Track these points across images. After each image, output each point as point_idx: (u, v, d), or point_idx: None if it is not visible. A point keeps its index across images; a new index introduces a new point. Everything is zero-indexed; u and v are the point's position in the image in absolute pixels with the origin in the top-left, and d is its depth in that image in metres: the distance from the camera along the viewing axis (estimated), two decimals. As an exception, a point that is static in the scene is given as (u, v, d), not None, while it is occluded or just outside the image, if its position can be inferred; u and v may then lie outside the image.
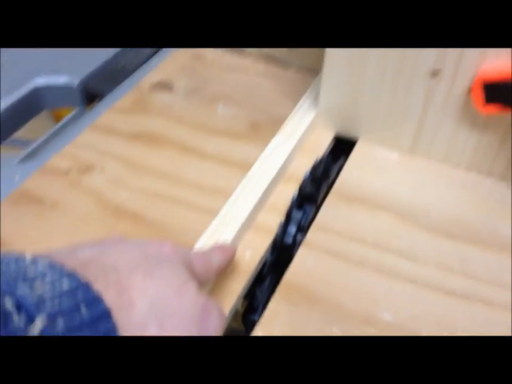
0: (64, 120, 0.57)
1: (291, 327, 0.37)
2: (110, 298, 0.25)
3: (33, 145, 0.53)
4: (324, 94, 0.52)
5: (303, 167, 0.50)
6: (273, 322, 0.37)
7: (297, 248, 0.42)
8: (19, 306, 0.22)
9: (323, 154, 0.51)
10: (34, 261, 0.24)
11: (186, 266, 0.31)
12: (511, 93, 0.43)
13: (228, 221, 0.42)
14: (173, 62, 0.64)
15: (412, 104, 0.49)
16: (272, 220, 0.44)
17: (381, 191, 0.48)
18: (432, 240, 0.43)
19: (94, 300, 0.24)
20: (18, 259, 0.24)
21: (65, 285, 0.23)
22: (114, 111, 0.56)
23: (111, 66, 0.64)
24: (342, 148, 0.54)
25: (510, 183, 0.49)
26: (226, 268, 0.39)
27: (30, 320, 0.22)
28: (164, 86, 0.60)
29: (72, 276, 0.24)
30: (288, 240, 0.43)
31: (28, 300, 0.22)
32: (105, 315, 0.24)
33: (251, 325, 0.39)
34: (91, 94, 0.63)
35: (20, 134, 0.61)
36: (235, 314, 0.41)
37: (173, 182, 0.48)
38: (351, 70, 0.49)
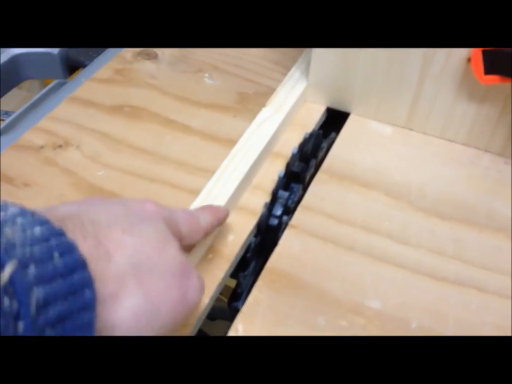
0: (42, 91, 0.54)
1: (274, 317, 0.35)
2: (86, 248, 0.24)
3: (8, 120, 0.50)
4: (315, 65, 0.49)
5: (291, 143, 0.47)
6: (255, 312, 0.35)
7: (283, 231, 0.40)
8: None
9: (313, 129, 0.48)
10: (4, 206, 0.23)
11: (169, 225, 0.30)
12: (512, 62, 0.40)
13: (210, 202, 0.40)
14: (158, 29, 0.61)
15: (407, 75, 0.46)
16: (257, 200, 0.42)
17: (373, 169, 0.45)
18: (425, 222, 0.41)
19: (68, 248, 0.22)
20: None
21: (37, 231, 0.22)
22: (94, 81, 0.53)
23: (93, 33, 0.61)
24: (333, 121, 0.51)
25: (509, 159, 0.46)
26: (215, 229, 0.37)
27: (0, 266, 0.20)
28: (148, 54, 0.57)
29: (44, 222, 0.23)
30: (274, 222, 0.41)
31: None
32: (80, 265, 0.23)
33: (234, 312, 0.37)
34: (72, 63, 0.60)
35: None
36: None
37: (154, 159, 0.46)
38: (343, 38, 0.46)
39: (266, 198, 0.42)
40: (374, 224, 0.41)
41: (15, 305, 0.20)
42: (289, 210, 0.42)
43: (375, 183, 0.44)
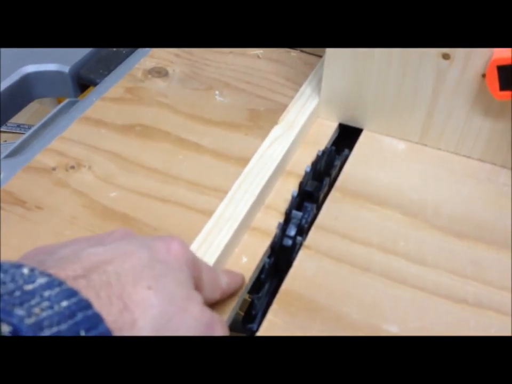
0: (52, 111, 0.54)
1: (289, 342, 0.34)
2: (112, 315, 0.24)
3: (19, 140, 0.50)
4: (326, 81, 0.49)
5: (304, 161, 0.47)
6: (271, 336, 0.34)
7: (297, 252, 0.40)
8: (16, 333, 0.21)
9: (325, 147, 0.48)
10: (31, 277, 0.23)
11: (193, 272, 0.30)
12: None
13: (223, 223, 0.40)
14: (168, 46, 0.61)
15: (421, 89, 0.45)
16: (270, 221, 0.42)
17: (387, 187, 0.45)
18: (442, 241, 0.40)
19: (94, 322, 0.23)
20: (15, 274, 0.23)
21: (64, 305, 0.22)
22: (105, 100, 0.53)
23: (103, 51, 0.61)
24: (346, 137, 0.50)
25: (527, 175, 0.46)
26: (230, 294, 0.36)
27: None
28: (159, 72, 0.57)
29: (71, 294, 0.23)
30: (288, 242, 0.40)
31: (24, 328, 0.21)
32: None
33: (250, 334, 0.36)
34: (83, 81, 0.60)
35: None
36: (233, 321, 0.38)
37: (166, 179, 0.45)
38: (355, 53, 0.45)
39: (280, 218, 0.42)
40: (389, 244, 0.40)
41: None
42: (303, 231, 0.41)
43: (389, 201, 0.44)
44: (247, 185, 0.42)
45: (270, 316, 0.36)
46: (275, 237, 0.40)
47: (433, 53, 0.43)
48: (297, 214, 0.41)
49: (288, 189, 0.44)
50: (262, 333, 0.35)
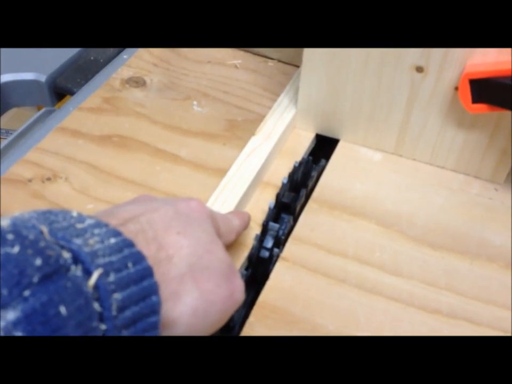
0: (29, 121, 0.54)
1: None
2: (150, 253, 0.27)
3: (-5, 151, 0.50)
4: (303, 91, 0.49)
5: (281, 171, 0.47)
6: (247, 350, 0.35)
7: (274, 263, 0.40)
8: (75, 259, 0.23)
9: (302, 157, 0.48)
10: (80, 216, 0.26)
11: (212, 224, 0.33)
12: (500, 90, 0.40)
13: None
14: (147, 55, 0.60)
15: (395, 101, 0.46)
16: (248, 232, 0.42)
17: (363, 197, 0.45)
18: (416, 252, 0.41)
19: (139, 258, 0.25)
20: (66, 213, 0.26)
21: (113, 242, 0.25)
22: (83, 110, 0.53)
23: (81, 60, 0.61)
24: (324, 147, 0.51)
25: (499, 185, 0.46)
26: (242, 232, 0.40)
27: (87, 272, 0.23)
28: (136, 81, 0.57)
29: (117, 233, 0.26)
30: (265, 254, 0.41)
31: (83, 253, 0.23)
32: (148, 273, 0.26)
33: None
34: (60, 91, 0.60)
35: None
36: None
37: (144, 190, 0.45)
38: (331, 64, 0.46)
39: (257, 230, 0.42)
40: (365, 255, 0.41)
41: (99, 309, 0.23)
42: (280, 242, 0.41)
43: (365, 212, 0.44)
44: (224, 197, 0.43)
45: (246, 329, 0.36)
46: (252, 248, 0.41)
47: (407, 66, 0.43)
48: (274, 225, 0.42)
49: (266, 200, 0.44)
50: (238, 345, 0.35)
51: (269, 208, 0.42)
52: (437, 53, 0.42)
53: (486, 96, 0.41)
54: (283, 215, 0.43)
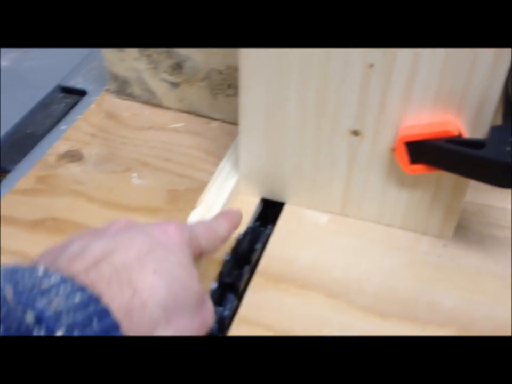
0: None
1: None
2: (124, 301, 0.27)
3: None
4: (243, 156, 0.48)
5: (226, 244, 0.45)
6: None
7: (219, 351, 0.38)
8: (39, 319, 0.23)
9: (247, 227, 0.47)
10: (46, 273, 0.26)
11: (191, 246, 0.33)
12: (435, 152, 0.40)
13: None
14: (84, 125, 0.59)
15: (336, 163, 0.45)
16: (190, 318, 0.40)
17: (311, 266, 0.44)
18: (366, 323, 0.40)
19: (104, 313, 0.25)
20: (32, 270, 0.26)
21: (78, 298, 0.25)
22: (16, 193, 0.50)
23: (16, 135, 0.59)
24: (271, 211, 0.49)
25: (448, 241, 0.46)
26: (233, 233, 0.40)
27: (50, 332, 0.23)
28: (73, 155, 0.55)
29: (83, 289, 0.26)
30: (209, 341, 0.38)
31: (47, 313, 0.24)
32: (114, 327, 0.25)
33: None
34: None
35: None
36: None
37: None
38: (269, 130, 0.45)
39: (200, 314, 0.40)
40: (314, 332, 0.39)
41: None
42: (224, 325, 0.39)
43: (313, 283, 0.43)
44: (163, 281, 0.41)
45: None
46: (195, 336, 0.38)
47: (343, 130, 0.43)
48: (217, 309, 0.40)
49: (210, 277, 0.43)
50: None
51: (211, 290, 0.41)
52: (370, 117, 0.41)
53: (422, 157, 0.41)
54: (227, 295, 0.41)
